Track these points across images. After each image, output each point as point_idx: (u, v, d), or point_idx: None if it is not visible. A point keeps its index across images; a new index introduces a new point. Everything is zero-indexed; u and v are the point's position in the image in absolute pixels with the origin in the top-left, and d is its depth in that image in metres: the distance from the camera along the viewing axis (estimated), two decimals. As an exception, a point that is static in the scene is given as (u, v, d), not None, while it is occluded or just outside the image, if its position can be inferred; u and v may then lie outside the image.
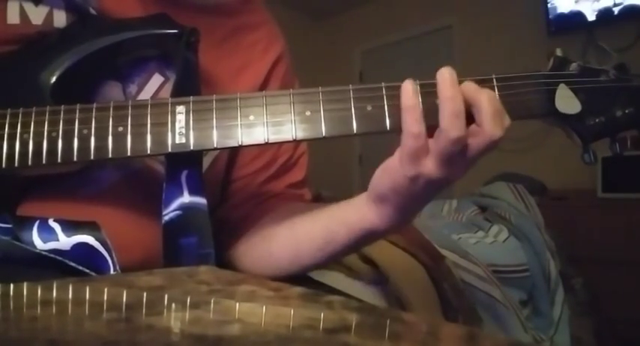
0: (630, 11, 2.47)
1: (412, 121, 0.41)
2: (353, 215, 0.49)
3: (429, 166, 0.42)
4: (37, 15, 0.50)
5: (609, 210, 2.08)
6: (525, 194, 1.78)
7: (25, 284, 0.28)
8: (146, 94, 0.53)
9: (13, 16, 0.49)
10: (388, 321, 0.26)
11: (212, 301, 0.27)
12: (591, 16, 2.58)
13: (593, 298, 1.71)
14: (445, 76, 0.42)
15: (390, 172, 0.44)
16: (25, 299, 0.27)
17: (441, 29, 3.38)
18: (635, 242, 1.94)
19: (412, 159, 0.42)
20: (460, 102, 0.41)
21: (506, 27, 2.95)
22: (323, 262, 0.55)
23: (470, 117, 0.42)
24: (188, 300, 0.27)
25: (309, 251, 0.53)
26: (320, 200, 0.91)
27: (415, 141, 0.41)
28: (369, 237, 0.50)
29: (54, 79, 0.47)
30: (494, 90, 0.45)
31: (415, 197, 0.45)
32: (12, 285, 0.28)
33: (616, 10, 2.51)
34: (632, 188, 2.06)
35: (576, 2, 2.63)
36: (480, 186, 2.06)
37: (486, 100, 0.41)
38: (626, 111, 0.47)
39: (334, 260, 0.59)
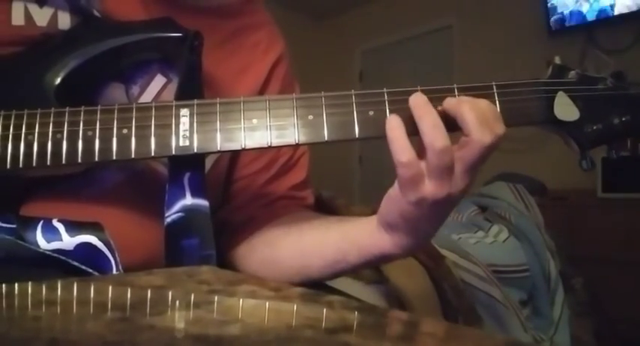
0: (630, 12, 2.47)
1: (399, 151, 0.42)
2: (366, 239, 0.49)
3: (429, 187, 0.42)
4: (42, 17, 0.50)
5: (609, 210, 2.08)
6: (525, 194, 1.78)
7: (27, 283, 0.28)
8: (148, 95, 0.53)
9: (17, 18, 0.49)
10: (388, 321, 0.26)
11: (213, 301, 0.27)
12: (591, 17, 2.58)
13: (593, 298, 1.70)
14: (416, 99, 0.43)
15: (394, 201, 0.44)
16: (26, 299, 0.27)
17: (441, 29, 3.38)
18: (635, 242, 1.94)
19: (411, 185, 0.42)
20: (435, 114, 0.42)
21: (506, 27, 2.95)
22: (331, 277, 0.55)
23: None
24: (189, 300, 0.28)
25: (318, 267, 0.53)
26: (320, 200, 0.91)
27: (408, 169, 0.42)
28: (381, 260, 0.50)
29: (58, 81, 0.48)
30: (494, 97, 0.46)
31: (425, 219, 0.44)
32: (15, 285, 0.28)
33: (616, 10, 2.51)
34: (632, 188, 2.06)
35: (576, 2, 2.63)
36: (480, 186, 2.06)
37: (467, 109, 0.42)
38: (623, 119, 0.47)
39: (344, 275, 0.59)
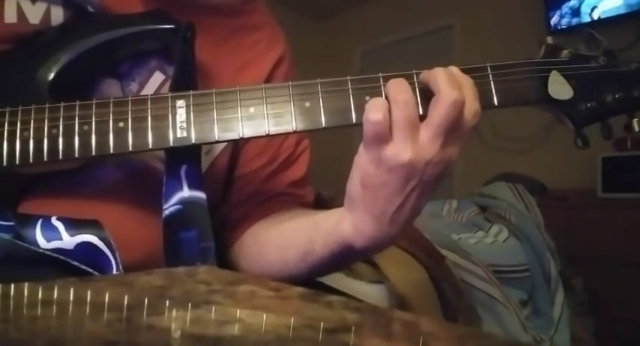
0: (630, 11, 2.47)
1: (373, 109, 0.41)
2: (331, 226, 0.47)
3: (392, 146, 0.41)
4: (35, 13, 0.50)
5: (609, 210, 2.08)
6: (525, 194, 1.78)
7: (25, 284, 0.28)
8: (147, 92, 0.53)
9: (10, 15, 0.49)
10: (388, 321, 0.26)
11: (212, 301, 0.27)
12: (591, 16, 2.58)
13: (593, 298, 1.70)
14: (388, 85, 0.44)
15: (356, 165, 0.43)
16: (24, 299, 0.27)
17: (441, 29, 3.38)
18: (635, 242, 1.94)
19: (374, 142, 0.41)
20: (401, 79, 0.43)
21: (506, 27, 2.95)
22: (306, 274, 0.52)
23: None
24: (188, 300, 0.27)
25: (293, 260, 0.51)
26: (320, 200, 0.91)
27: (375, 126, 0.41)
28: (345, 251, 0.47)
29: (52, 76, 0.47)
30: (489, 78, 0.46)
31: (385, 191, 0.42)
32: (13, 285, 0.28)
33: (616, 9, 2.51)
34: (632, 188, 2.06)
35: (576, 2, 2.63)
36: (480, 186, 2.06)
37: (440, 71, 0.42)
38: (616, 96, 0.48)
39: (319, 275, 0.57)
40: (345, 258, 0.49)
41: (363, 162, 0.43)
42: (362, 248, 0.45)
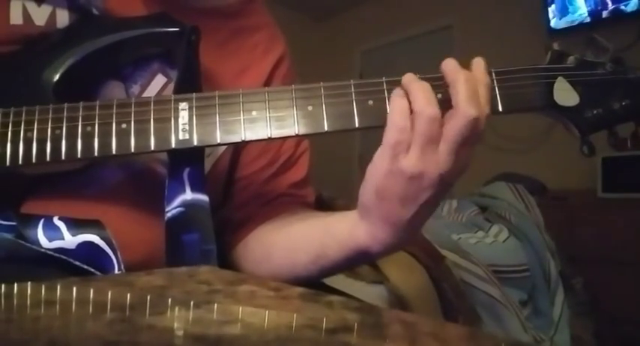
0: (630, 11, 2.47)
1: (398, 113, 0.42)
2: (345, 232, 0.48)
3: (409, 158, 0.41)
4: (40, 15, 0.50)
5: (609, 210, 2.08)
6: (525, 194, 1.78)
7: (27, 284, 0.28)
8: (149, 95, 0.53)
9: (16, 17, 0.49)
10: (388, 321, 0.26)
11: (213, 301, 0.27)
12: (591, 16, 2.58)
13: (593, 298, 1.70)
14: (407, 77, 0.44)
15: (371, 174, 0.44)
16: (26, 299, 0.27)
17: (441, 29, 3.38)
18: (634, 242, 1.94)
19: (393, 151, 0.42)
20: (428, 86, 0.43)
21: (506, 27, 2.95)
22: (317, 276, 0.53)
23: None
24: (189, 300, 0.27)
25: (304, 263, 0.52)
26: (320, 201, 0.91)
27: (399, 134, 0.41)
28: (361, 256, 0.48)
29: (57, 78, 0.48)
30: (494, 84, 0.46)
31: (399, 200, 0.43)
32: (15, 285, 0.28)
33: (616, 10, 2.51)
34: (632, 188, 2.06)
35: (576, 2, 2.63)
36: (480, 186, 2.06)
37: (463, 80, 0.42)
38: (623, 103, 0.47)
39: (331, 275, 0.58)
40: (358, 262, 0.51)
41: (378, 172, 0.43)
42: (377, 253, 0.47)
